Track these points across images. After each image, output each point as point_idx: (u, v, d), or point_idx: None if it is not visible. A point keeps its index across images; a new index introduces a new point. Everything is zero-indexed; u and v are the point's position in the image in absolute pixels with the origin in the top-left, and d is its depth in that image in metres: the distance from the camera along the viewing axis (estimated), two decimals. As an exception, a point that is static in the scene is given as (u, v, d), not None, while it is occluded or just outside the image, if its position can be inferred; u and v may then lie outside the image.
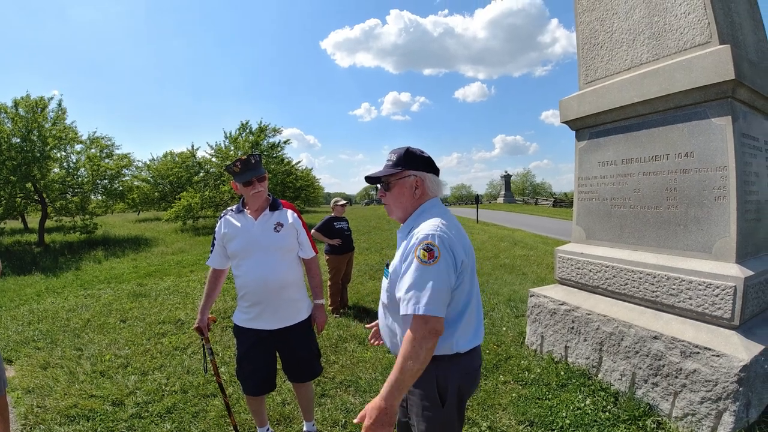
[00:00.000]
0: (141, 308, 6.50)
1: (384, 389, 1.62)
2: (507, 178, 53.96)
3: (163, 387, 3.95)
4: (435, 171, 2.00)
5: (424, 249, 1.69)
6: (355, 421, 1.69)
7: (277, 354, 2.88)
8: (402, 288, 1.71)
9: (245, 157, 2.66)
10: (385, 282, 1.95)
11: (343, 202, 6.69)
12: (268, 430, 3.12)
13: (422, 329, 1.61)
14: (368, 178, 2.03)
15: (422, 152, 1.98)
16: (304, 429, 3.11)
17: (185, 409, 3.57)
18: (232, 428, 3.13)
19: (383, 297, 1.97)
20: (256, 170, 2.66)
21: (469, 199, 63.90)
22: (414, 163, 1.94)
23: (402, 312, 1.67)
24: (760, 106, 3.41)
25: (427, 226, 1.77)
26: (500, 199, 51.83)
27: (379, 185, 2.07)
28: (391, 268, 1.89)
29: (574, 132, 4.35)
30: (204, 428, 3.27)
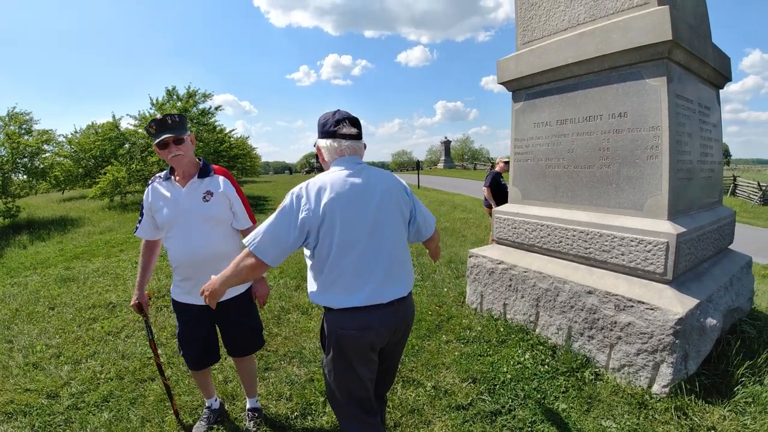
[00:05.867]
0: (70, 293, 6.10)
1: (218, 277, 2.06)
2: (447, 144, 54.51)
3: (98, 375, 3.74)
4: (329, 135, 2.08)
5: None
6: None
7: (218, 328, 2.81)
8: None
9: (161, 117, 2.47)
10: None
11: (507, 159, 6.94)
12: (216, 400, 3.06)
13: (247, 254, 1.97)
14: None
15: (325, 116, 2.10)
16: (248, 406, 3.02)
17: (122, 395, 3.40)
18: (172, 413, 3.02)
19: None
20: (172, 130, 2.47)
21: (410, 165, 64.40)
22: (318, 132, 2.13)
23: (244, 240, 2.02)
24: (695, 68, 3.52)
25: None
26: (440, 165, 52.43)
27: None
28: None
29: (510, 93, 4.37)
30: (143, 414, 3.14)
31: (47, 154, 16.92)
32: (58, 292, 6.23)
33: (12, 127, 14.77)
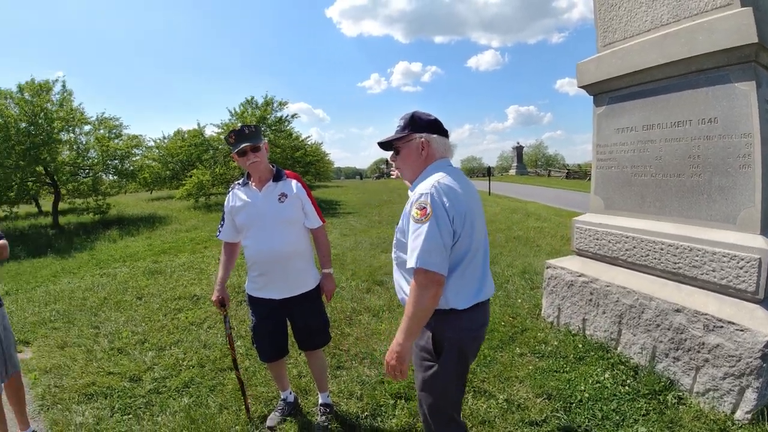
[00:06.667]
0: (157, 285, 6.55)
1: (397, 333, 1.86)
2: (519, 149, 53.30)
3: (180, 362, 3.98)
4: (442, 132, 2.09)
5: (417, 208, 1.84)
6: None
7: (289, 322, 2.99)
8: (408, 246, 1.87)
9: (239, 127, 2.69)
10: (394, 240, 2.12)
11: None
12: (290, 393, 3.22)
13: (421, 279, 1.78)
14: (380, 144, 2.15)
15: (428, 115, 2.08)
16: (320, 401, 3.13)
17: (202, 383, 3.60)
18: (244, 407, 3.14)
19: (392, 254, 2.16)
20: (249, 140, 2.67)
21: (480, 171, 63.52)
22: (419, 125, 2.05)
23: (407, 266, 1.85)
24: None
25: (424, 186, 1.89)
26: (512, 171, 51.31)
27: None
28: (397, 227, 2.07)
29: (591, 98, 4.20)
30: (221, 401, 3.30)
31: (137, 157, 18.27)
32: (146, 283, 6.70)
33: (101, 131, 16.05)
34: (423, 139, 2.03)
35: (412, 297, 1.80)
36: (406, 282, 2.04)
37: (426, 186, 1.87)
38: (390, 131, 2.15)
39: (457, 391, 2.08)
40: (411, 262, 1.79)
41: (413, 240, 1.81)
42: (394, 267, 2.17)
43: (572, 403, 3.10)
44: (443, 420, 2.09)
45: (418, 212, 1.82)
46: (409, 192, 2.20)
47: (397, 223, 2.07)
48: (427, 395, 2.05)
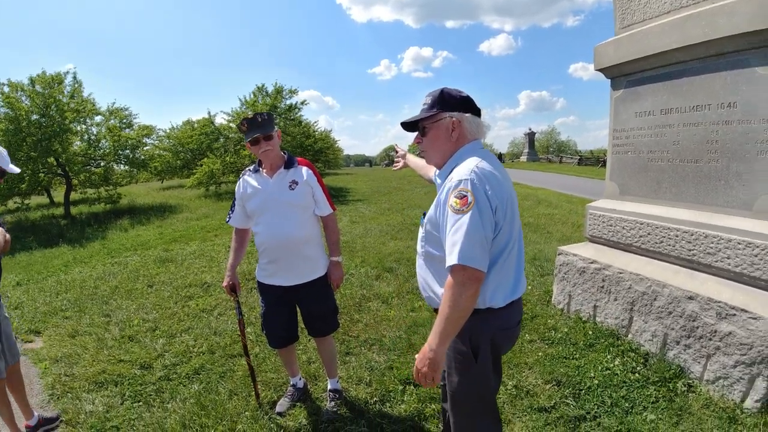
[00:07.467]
0: (168, 273, 6.59)
1: (430, 337, 1.65)
2: (531, 135, 52.78)
3: (191, 348, 4.01)
4: (475, 111, 1.87)
5: (456, 197, 1.62)
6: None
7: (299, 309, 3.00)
8: (445, 241, 1.66)
9: (252, 115, 2.66)
10: (420, 231, 1.92)
11: None
12: (300, 379, 3.25)
13: (459, 276, 1.58)
14: (403, 124, 1.94)
15: (460, 92, 1.86)
16: (329, 387, 3.15)
17: (213, 369, 3.62)
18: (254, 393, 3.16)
19: (418, 247, 1.94)
20: (262, 128, 2.65)
21: (491, 158, 62.56)
22: (450, 104, 1.83)
23: (447, 264, 1.62)
24: None
25: (461, 171, 1.68)
26: (523, 158, 50.88)
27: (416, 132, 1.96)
28: (426, 217, 1.85)
29: (607, 82, 4.13)
30: (231, 388, 3.32)
31: (147, 147, 18.37)
32: (157, 271, 6.75)
33: (113, 121, 16.15)
34: (454, 119, 1.82)
35: (448, 297, 1.60)
36: (435, 279, 1.86)
37: (464, 171, 1.66)
38: (400, 118, 1.95)
39: (494, 389, 1.96)
40: (452, 259, 1.58)
41: (453, 233, 1.60)
42: (420, 262, 1.96)
43: (581, 390, 3.09)
44: (484, 419, 1.96)
45: (458, 201, 1.61)
46: (435, 178, 2.05)
47: (424, 213, 1.88)
48: (465, 398, 1.92)
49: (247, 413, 2.99)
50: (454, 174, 1.71)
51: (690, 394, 2.98)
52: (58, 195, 18.41)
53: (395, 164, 2.81)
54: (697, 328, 3.07)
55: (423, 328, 4.10)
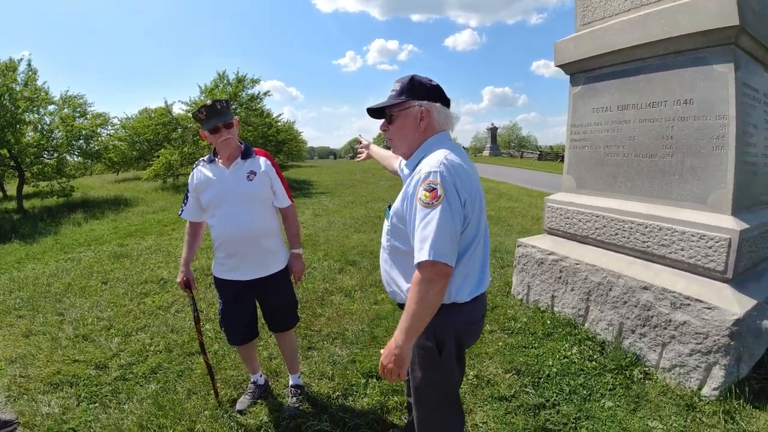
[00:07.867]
0: (122, 269, 6.36)
1: (396, 333, 1.63)
2: (493, 130, 53.50)
3: (147, 347, 3.88)
4: (444, 101, 1.83)
5: (425, 189, 1.58)
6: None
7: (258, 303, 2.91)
8: (413, 236, 1.62)
9: (210, 102, 2.53)
10: (386, 224, 1.87)
11: None
12: (260, 376, 3.17)
13: (428, 272, 1.55)
14: (369, 110, 1.87)
15: (430, 80, 1.82)
16: (290, 382, 3.09)
17: (170, 368, 3.51)
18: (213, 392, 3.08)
19: (383, 240, 1.89)
20: (222, 116, 2.54)
21: (454, 152, 63.25)
22: (419, 92, 1.78)
23: (417, 260, 1.57)
24: (761, 56, 3.28)
25: (430, 162, 1.64)
26: (486, 152, 51.53)
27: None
28: (392, 210, 1.80)
29: (567, 78, 4.19)
30: (190, 386, 3.22)
31: (102, 137, 17.61)
32: (112, 267, 6.50)
33: (66, 110, 15.39)
34: (423, 108, 1.78)
35: (415, 293, 1.56)
36: (400, 273, 1.83)
37: (434, 163, 1.62)
38: (365, 110, 1.90)
39: (457, 382, 1.96)
40: (423, 255, 1.54)
41: (423, 228, 1.56)
42: (384, 256, 1.92)
43: (540, 378, 3.15)
44: (448, 413, 1.96)
45: (427, 195, 1.57)
46: (401, 169, 2.00)
47: (390, 205, 1.84)
48: (428, 392, 1.91)
49: (206, 412, 2.91)
50: (422, 165, 1.67)
51: (647, 382, 3.07)
52: (11, 188, 17.48)
53: (359, 155, 2.76)
54: (652, 317, 3.16)
55: (386, 321, 4.10)
